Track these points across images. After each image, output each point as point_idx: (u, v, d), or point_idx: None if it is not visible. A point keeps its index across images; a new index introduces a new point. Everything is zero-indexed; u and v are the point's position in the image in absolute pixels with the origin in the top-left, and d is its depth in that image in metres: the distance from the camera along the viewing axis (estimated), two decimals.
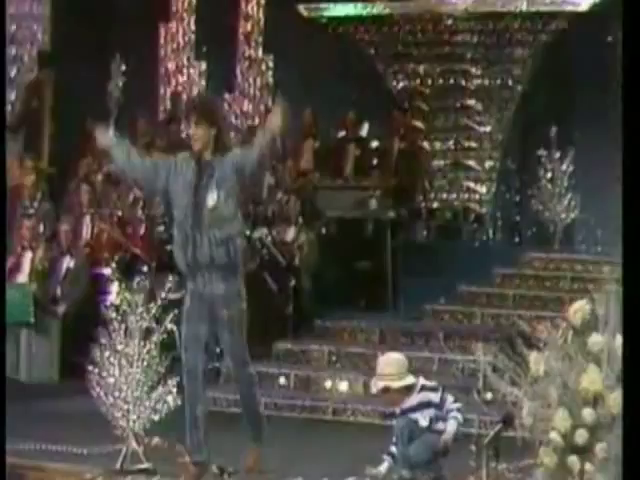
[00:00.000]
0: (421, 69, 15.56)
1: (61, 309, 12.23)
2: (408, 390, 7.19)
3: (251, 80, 17.27)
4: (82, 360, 8.25)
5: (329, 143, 15.51)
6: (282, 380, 11.02)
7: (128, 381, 7.76)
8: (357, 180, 14.80)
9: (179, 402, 7.89)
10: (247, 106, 17.14)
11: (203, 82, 17.47)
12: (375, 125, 15.62)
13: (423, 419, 7.12)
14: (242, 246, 7.55)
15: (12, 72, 17.06)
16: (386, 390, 7.27)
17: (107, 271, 11.63)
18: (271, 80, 17.23)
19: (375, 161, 15.11)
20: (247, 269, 12.16)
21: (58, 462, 7.85)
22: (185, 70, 17.50)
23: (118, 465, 7.56)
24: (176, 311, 9.58)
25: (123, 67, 16.81)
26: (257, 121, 16.82)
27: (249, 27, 17.30)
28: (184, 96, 17.21)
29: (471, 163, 15.40)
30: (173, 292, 10.36)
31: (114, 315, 7.74)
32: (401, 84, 15.73)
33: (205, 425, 7.55)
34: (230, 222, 7.29)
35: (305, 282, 12.65)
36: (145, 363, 7.91)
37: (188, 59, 17.50)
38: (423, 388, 7.21)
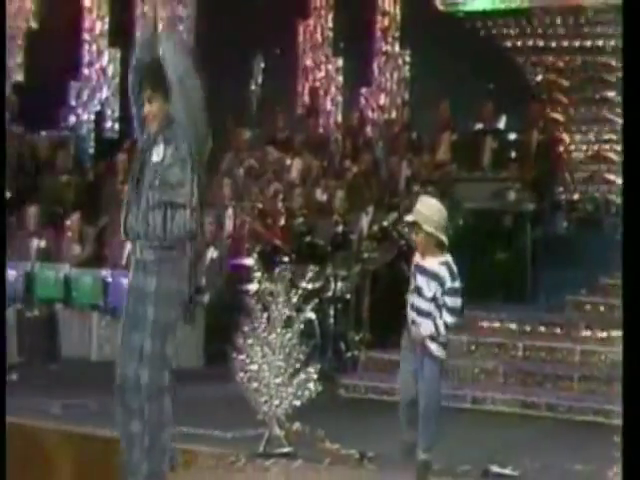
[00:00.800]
0: (560, 61, 15.27)
1: (206, 298, 12.40)
2: (439, 249, 6.75)
3: (388, 75, 17.22)
4: (226, 347, 8.35)
5: (466, 135, 15.37)
6: None
7: (270, 368, 7.83)
8: (495, 172, 14.62)
9: (320, 388, 7.93)
10: (384, 100, 17.09)
11: (340, 77, 17.50)
12: (513, 117, 15.44)
13: (428, 290, 6.72)
14: (189, 225, 5.86)
15: None
16: (415, 227, 6.78)
17: (249, 261, 11.70)
18: (408, 74, 17.16)
19: (513, 153, 14.93)
20: (385, 259, 12.42)
21: (203, 445, 7.94)
22: (323, 66, 17.54)
23: (261, 449, 7.63)
24: (316, 300, 9.66)
25: (263, 64, 16.99)
26: (394, 114, 16.81)
27: (386, 23, 17.26)
28: (322, 91, 17.31)
29: (612, 155, 15.07)
30: (313, 282, 10.46)
31: (256, 304, 7.82)
32: (539, 77, 15.45)
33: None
34: (176, 188, 5.78)
35: None
36: (287, 350, 7.97)
37: (326, 55, 17.53)
38: (446, 263, 6.74)
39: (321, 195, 13.94)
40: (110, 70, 17.92)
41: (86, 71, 17.83)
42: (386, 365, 11.11)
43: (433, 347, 6.76)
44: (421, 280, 6.73)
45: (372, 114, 16.97)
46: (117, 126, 17.77)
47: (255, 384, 7.82)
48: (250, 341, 7.82)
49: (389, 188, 14.17)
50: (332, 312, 11.43)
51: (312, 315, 9.36)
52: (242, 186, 14.30)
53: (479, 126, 15.29)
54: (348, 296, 11.64)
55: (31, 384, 10.16)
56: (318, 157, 15.00)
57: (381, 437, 8.10)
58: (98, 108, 17.72)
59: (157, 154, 5.82)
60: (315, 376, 8.00)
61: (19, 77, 17.66)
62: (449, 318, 6.73)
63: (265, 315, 7.87)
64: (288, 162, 14.86)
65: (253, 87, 17.07)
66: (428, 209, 6.78)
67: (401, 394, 7.09)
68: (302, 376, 8.00)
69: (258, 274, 8.15)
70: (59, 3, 17.65)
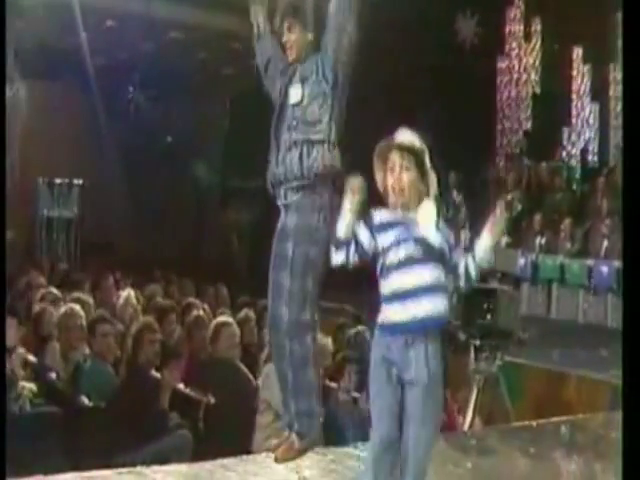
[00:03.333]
0: None
1: None
2: (423, 196, 3.41)
3: None
4: None
5: None
6: None
7: None
8: None
9: None
10: None
11: None
12: None
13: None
14: (327, 160, 4.02)
15: None
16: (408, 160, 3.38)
17: None
18: None
19: None
20: None
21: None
22: None
23: None
24: None
25: None
26: None
27: None
28: None
29: None
30: None
31: None
32: None
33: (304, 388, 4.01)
34: (314, 125, 4.03)
35: None
36: None
37: None
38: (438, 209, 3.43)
39: None
40: (591, 119, 17.49)
41: (574, 120, 17.51)
42: None
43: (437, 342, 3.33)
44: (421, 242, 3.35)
45: None
46: (596, 158, 17.34)
47: None
48: None
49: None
50: None
51: None
52: None
53: None
54: None
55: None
56: None
57: None
58: (582, 145, 17.41)
59: (295, 95, 4.10)
60: None
61: (528, 125, 17.79)
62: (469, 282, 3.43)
63: None
64: None
65: None
66: (418, 141, 3.46)
67: (378, 439, 3.32)
68: None
69: None
70: (554, 75, 17.58)
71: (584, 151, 17.35)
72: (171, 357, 6.11)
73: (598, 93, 17.28)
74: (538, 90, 17.84)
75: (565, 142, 17.42)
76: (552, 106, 17.19)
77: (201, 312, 7.50)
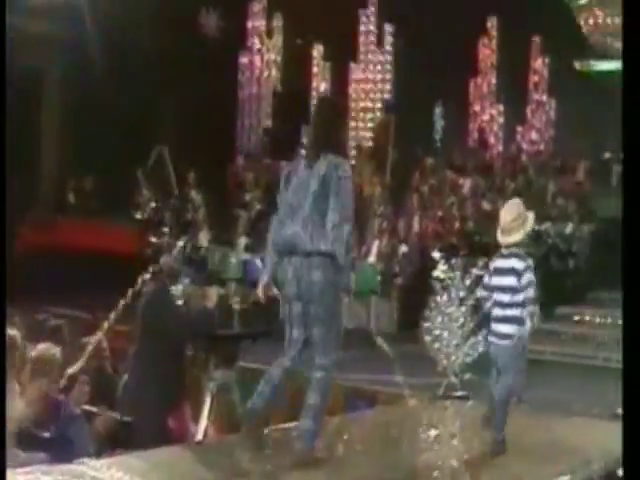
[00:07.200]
0: None
1: (399, 281, 12.25)
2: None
3: (537, 117, 16.82)
4: (416, 317, 8.25)
5: (599, 162, 14.87)
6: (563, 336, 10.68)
7: (449, 333, 7.71)
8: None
9: (484, 348, 7.73)
10: (535, 136, 16.71)
11: (501, 119, 17.18)
12: None
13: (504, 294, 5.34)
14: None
15: (368, 116, 17.62)
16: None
17: (434, 254, 11.53)
18: (553, 116, 16.74)
19: None
20: (537, 254, 12.04)
21: (394, 388, 7.84)
22: (487, 110, 17.24)
23: (441, 392, 7.49)
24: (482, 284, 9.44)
25: (442, 109, 16.84)
26: (542, 146, 16.39)
27: (536, 78, 16.89)
28: (487, 129, 17.05)
29: None
30: (482, 270, 10.18)
31: (439, 286, 7.74)
32: None
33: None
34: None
35: (581, 264, 12.14)
36: (461, 321, 7.81)
37: (490, 103, 17.23)
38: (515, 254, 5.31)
39: (486, 205, 13.65)
40: None
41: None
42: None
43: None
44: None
45: (525, 146, 16.60)
46: None
47: (437, 344, 7.71)
48: (434, 313, 7.73)
49: (539, 200, 13.78)
50: None
51: (481, 293, 9.11)
52: (427, 199, 14.16)
53: (608, 155, 14.78)
54: None
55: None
56: (484, 178, 14.75)
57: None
58: None
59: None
60: (482, 341, 7.82)
61: (268, 123, 18.14)
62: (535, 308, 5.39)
63: (445, 294, 7.77)
64: (461, 181, 14.65)
65: (436, 127, 16.97)
66: (512, 213, 5.42)
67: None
68: (472, 340, 7.82)
69: (440, 264, 8.04)
70: (295, 72, 18.07)
71: None
72: None
73: (338, 91, 17.97)
74: (279, 87, 18.18)
75: (304, 141, 17.89)
76: (292, 104, 17.57)
77: None
